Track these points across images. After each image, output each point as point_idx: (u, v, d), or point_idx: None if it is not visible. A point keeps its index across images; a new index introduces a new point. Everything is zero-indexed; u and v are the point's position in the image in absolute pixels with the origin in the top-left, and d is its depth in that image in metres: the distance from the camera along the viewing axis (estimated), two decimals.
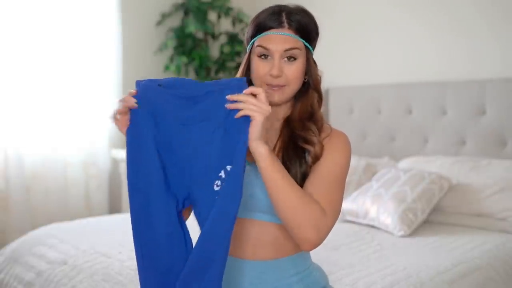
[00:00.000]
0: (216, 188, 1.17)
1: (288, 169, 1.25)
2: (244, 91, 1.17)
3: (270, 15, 1.28)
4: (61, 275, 2.10)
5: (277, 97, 1.28)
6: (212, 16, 4.14)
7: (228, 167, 1.17)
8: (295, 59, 1.27)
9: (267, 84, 1.27)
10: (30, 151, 3.41)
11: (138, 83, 1.21)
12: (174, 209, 1.21)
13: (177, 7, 3.99)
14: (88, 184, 3.69)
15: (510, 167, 2.71)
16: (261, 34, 1.28)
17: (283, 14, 1.27)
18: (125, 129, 1.22)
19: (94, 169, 3.70)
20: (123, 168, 3.70)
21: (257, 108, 1.15)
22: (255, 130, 1.16)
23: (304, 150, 1.28)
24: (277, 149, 1.32)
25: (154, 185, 1.19)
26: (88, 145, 3.66)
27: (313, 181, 1.25)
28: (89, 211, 3.67)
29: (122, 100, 1.21)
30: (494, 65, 3.02)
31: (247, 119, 1.16)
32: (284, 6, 1.30)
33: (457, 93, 3.08)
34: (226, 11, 3.94)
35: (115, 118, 1.22)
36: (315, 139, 1.28)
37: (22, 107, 3.35)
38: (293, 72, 1.27)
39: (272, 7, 1.30)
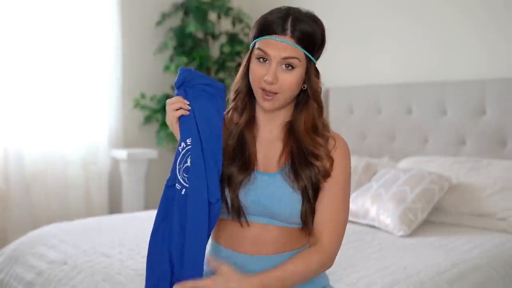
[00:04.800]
0: None
1: (298, 179, 1.29)
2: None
3: (276, 19, 1.25)
4: (61, 275, 2.10)
5: (268, 105, 1.28)
6: (212, 16, 4.14)
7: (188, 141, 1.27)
8: (292, 67, 1.26)
9: (261, 88, 1.27)
10: (30, 150, 3.41)
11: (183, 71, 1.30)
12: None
13: (177, 7, 3.99)
14: (88, 183, 3.69)
15: (510, 167, 2.71)
16: (263, 37, 1.26)
17: (289, 21, 1.24)
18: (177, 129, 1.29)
19: (94, 168, 3.70)
20: (123, 168, 3.70)
21: None
22: None
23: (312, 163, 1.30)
24: (283, 157, 1.32)
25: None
26: (88, 144, 3.66)
27: (325, 202, 1.31)
28: (89, 211, 3.67)
29: (175, 104, 1.28)
30: (494, 65, 3.01)
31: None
32: (293, 10, 1.27)
33: (457, 93, 3.08)
34: (226, 11, 3.94)
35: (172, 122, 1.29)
36: (323, 154, 1.30)
37: (23, 106, 3.36)
38: (288, 82, 1.26)
39: (281, 9, 1.27)
